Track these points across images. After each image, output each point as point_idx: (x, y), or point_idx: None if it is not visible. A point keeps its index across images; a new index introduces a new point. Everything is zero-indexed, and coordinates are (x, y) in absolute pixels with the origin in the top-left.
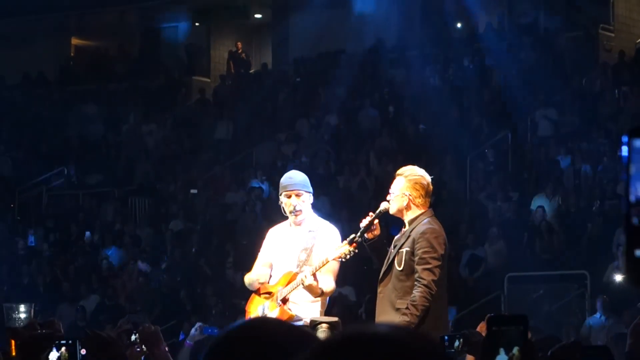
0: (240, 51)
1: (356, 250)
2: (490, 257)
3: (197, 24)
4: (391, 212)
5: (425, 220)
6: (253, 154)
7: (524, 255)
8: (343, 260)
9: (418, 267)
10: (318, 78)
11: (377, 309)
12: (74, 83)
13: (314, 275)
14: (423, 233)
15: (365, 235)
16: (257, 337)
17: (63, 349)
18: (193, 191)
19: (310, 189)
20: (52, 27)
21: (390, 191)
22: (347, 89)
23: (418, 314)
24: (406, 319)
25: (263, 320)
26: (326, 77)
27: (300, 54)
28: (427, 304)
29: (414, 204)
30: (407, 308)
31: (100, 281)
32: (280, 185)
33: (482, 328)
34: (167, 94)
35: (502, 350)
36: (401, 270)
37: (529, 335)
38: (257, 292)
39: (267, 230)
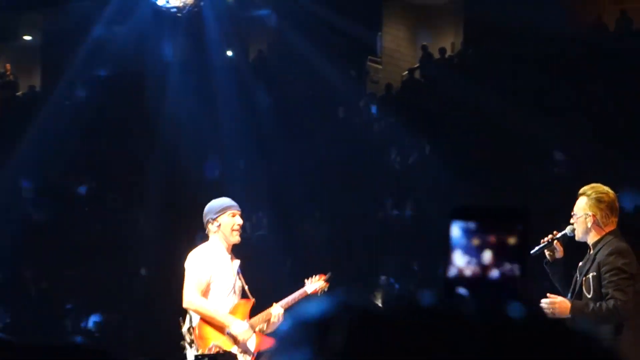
0: (8, 73)
1: (326, 290)
2: None
3: None
4: (577, 237)
5: (610, 240)
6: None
7: None
8: (318, 295)
9: (610, 291)
10: (88, 102)
11: None
12: None
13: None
14: (608, 255)
15: (547, 253)
16: None
17: None
18: None
19: None
20: None
21: (572, 213)
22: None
23: (590, 315)
24: (583, 307)
25: None
26: (96, 101)
27: (71, 78)
28: (607, 320)
29: (598, 224)
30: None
31: None
32: (221, 206)
33: None
34: None
35: None
36: (591, 298)
37: None
38: (208, 321)
39: None
